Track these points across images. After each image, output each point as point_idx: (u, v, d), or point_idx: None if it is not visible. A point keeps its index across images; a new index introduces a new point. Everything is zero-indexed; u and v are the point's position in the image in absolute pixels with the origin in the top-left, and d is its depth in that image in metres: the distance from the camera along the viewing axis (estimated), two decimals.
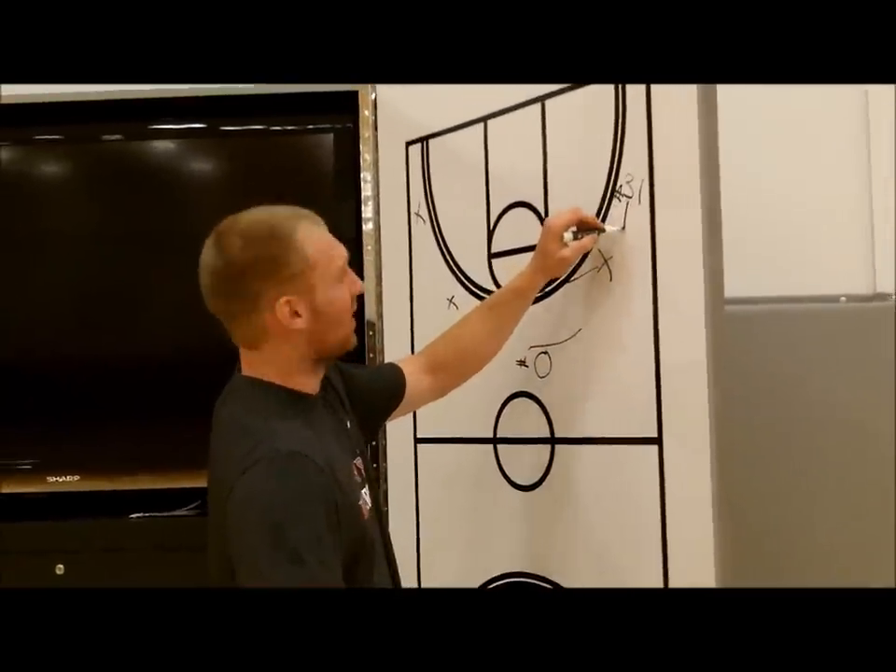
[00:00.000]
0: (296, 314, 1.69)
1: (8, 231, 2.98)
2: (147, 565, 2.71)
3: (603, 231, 2.07)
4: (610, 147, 2.10)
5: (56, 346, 2.93)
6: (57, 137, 3.00)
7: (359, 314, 2.66)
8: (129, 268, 2.93)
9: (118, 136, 2.99)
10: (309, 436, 1.66)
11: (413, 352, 2.54)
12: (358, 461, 1.85)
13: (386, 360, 2.67)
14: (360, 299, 1.85)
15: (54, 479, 2.85)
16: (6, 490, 2.88)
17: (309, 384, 1.77)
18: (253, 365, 1.76)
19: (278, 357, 1.73)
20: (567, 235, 2.05)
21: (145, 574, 2.69)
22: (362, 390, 1.98)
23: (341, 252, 1.75)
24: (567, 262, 2.09)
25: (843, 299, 2.82)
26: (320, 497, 1.58)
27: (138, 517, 2.82)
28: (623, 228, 2.06)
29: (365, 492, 1.82)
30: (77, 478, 2.84)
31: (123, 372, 2.88)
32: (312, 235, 1.71)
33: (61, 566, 2.78)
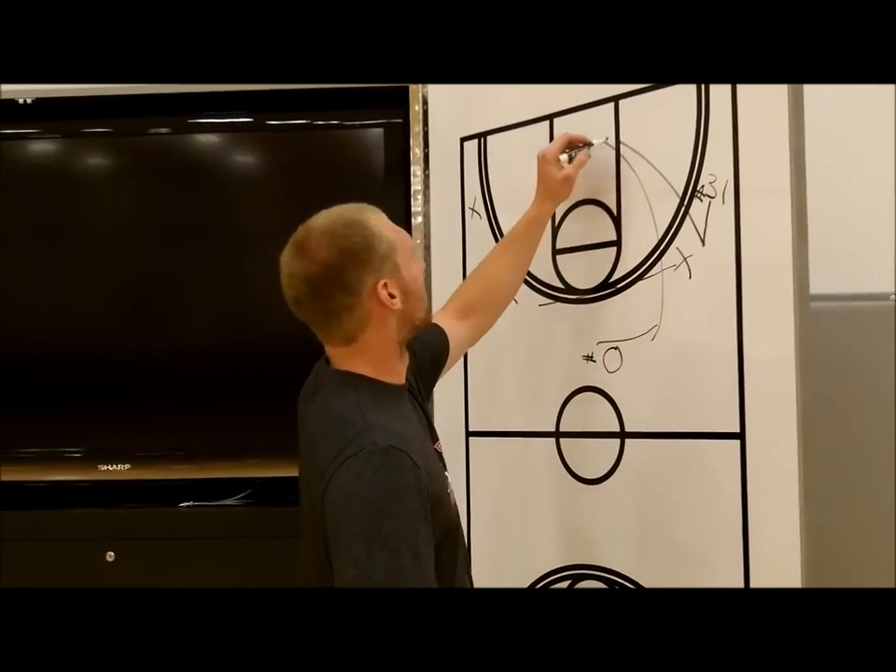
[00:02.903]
0: (391, 295, 1.75)
1: (57, 223, 2.98)
2: (197, 553, 2.72)
3: (591, 144, 2.26)
4: (692, 147, 2.13)
5: (107, 337, 2.93)
6: (104, 130, 2.98)
7: None
8: (178, 259, 2.93)
9: (166, 130, 2.98)
10: (402, 429, 1.70)
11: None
12: (438, 444, 1.92)
13: None
14: None
15: (105, 468, 2.85)
16: (56, 478, 2.87)
17: (398, 372, 1.83)
18: (345, 360, 1.80)
19: (373, 348, 1.78)
20: (563, 157, 2.23)
21: (194, 563, 2.70)
22: (419, 362, 2.01)
23: (405, 234, 1.85)
24: (570, 181, 2.23)
25: None
26: (415, 491, 1.61)
27: (188, 506, 2.82)
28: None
29: (448, 477, 1.86)
30: (127, 467, 2.84)
31: (173, 363, 2.88)
32: (382, 221, 1.78)
33: (111, 553, 2.77)
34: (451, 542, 1.77)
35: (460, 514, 1.89)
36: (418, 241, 2.75)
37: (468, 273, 2.56)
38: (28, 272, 2.99)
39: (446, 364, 2.12)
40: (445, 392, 2.62)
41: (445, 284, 2.65)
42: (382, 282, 1.73)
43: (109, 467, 2.85)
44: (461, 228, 2.63)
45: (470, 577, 1.93)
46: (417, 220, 2.76)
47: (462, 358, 2.58)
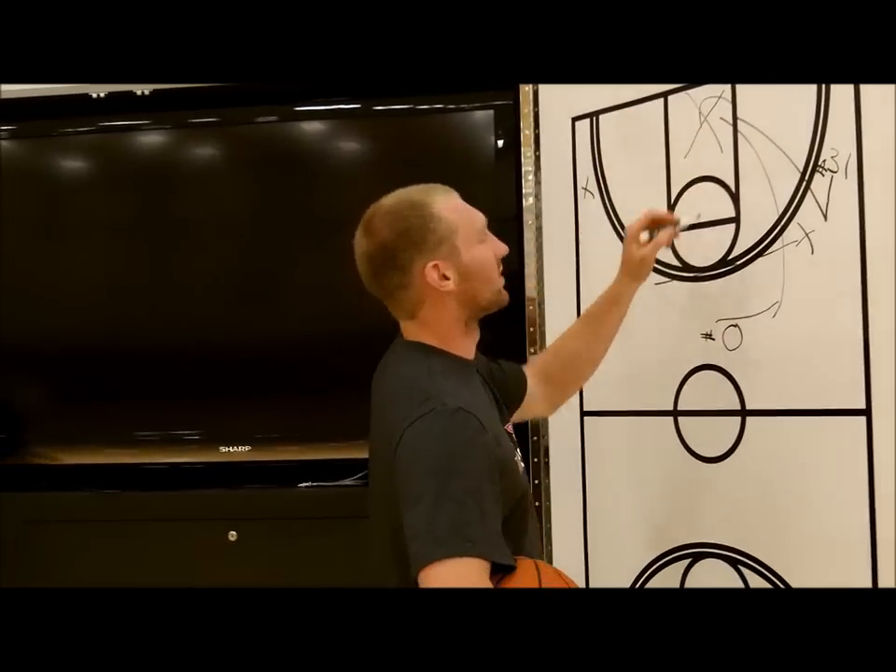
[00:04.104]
0: (444, 276, 1.80)
1: (166, 214, 3.06)
2: (316, 533, 2.77)
3: (677, 223, 2.19)
4: (812, 121, 2.11)
5: (224, 324, 3.00)
6: (211, 121, 3.04)
7: (519, 289, 2.73)
8: (290, 247, 2.99)
9: (273, 118, 3.03)
10: (469, 395, 1.76)
11: None
12: (509, 427, 1.97)
13: (548, 335, 2.70)
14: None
15: (226, 449, 2.91)
16: (177, 460, 2.94)
17: (465, 347, 1.88)
18: (413, 332, 1.87)
19: (435, 322, 1.84)
20: (644, 236, 2.16)
21: (313, 542, 2.75)
22: (494, 378, 2.04)
23: (478, 215, 1.86)
24: (647, 262, 2.18)
25: None
26: (482, 451, 1.66)
27: (307, 486, 2.87)
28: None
29: (517, 452, 1.92)
30: (247, 448, 2.91)
31: (289, 347, 2.95)
32: (448, 203, 1.82)
33: (233, 532, 2.84)
34: (520, 510, 1.80)
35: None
36: (529, 222, 2.75)
37: (579, 266, 2.60)
38: (144, 263, 3.08)
39: (514, 411, 2.11)
40: None
41: (557, 265, 2.67)
42: (432, 263, 1.79)
43: (230, 449, 2.91)
44: (573, 208, 2.63)
45: (541, 545, 1.98)
46: (528, 201, 2.76)
47: None
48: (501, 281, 1.88)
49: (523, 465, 1.91)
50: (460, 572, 1.56)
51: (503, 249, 1.89)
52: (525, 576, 1.66)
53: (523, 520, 1.81)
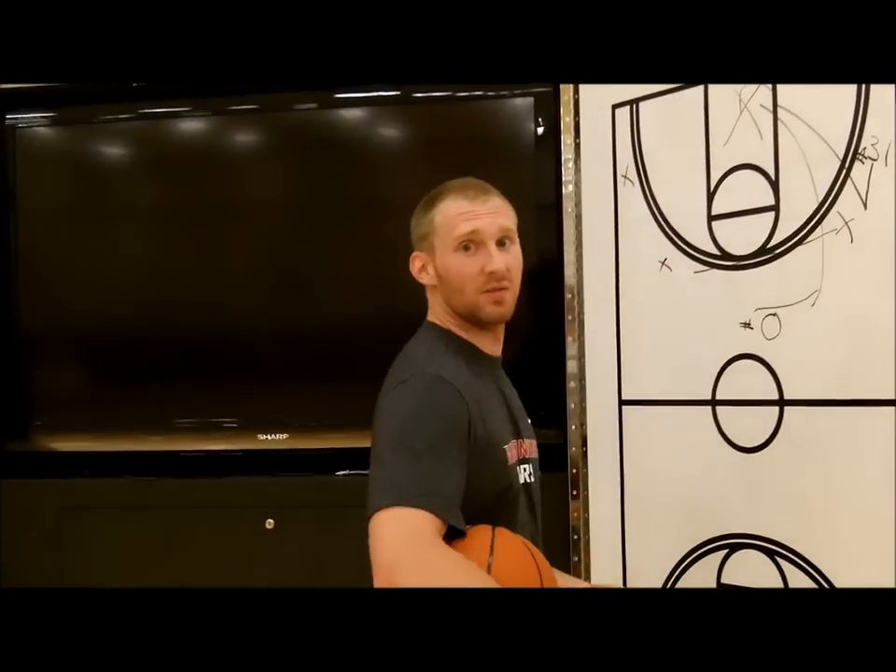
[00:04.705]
0: (424, 269, 1.82)
1: (206, 200, 3.09)
2: (354, 520, 2.75)
3: None
4: (853, 108, 2.08)
5: (260, 311, 3.02)
6: (251, 108, 3.05)
7: (559, 277, 2.72)
8: (328, 233, 2.99)
9: (312, 105, 3.04)
10: (463, 372, 1.74)
11: (618, 313, 2.57)
12: (526, 443, 1.86)
13: (587, 322, 2.68)
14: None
15: (263, 437, 2.93)
16: (214, 447, 2.97)
17: (481, 340, 1.84)
18: (432, 312, 1.86)
19: (435, 308, 1.85)
20: None
21: (351, 529, 2.74)
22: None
23: (470, 226, 1.76)
24: None
25: None
26: (452, 418, 1.65)
27: (344, 474, 2.88)
28: None
29: (525, 470, 1.83)
30: (285, 436, 2.92)
31: (326, 335, 2.95)
32: (448, 205, 1.79)
33: (270, 520, 2.86)
34: (504, 504, 1.75)
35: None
36: (569, 209, 2.74)
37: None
38: (184, 250, 3.11)
39: None
40: (598, 361, 2.64)
41: (597, 253, 2.65)
42: (415, 254, 1.84)
43: (267, 436, 2.93)
44: (613, 196, 2.62)
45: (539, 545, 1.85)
46: (568, 189, 2.75)
47: (615, 326, 2.58)
48: (480, 297, 1.76)
49: (518, 463, 1.82)
50: (407, 522, 1.54)
51: (494, 265, 1.74)
52: (476, 541, 1.63)
53: (507, 514, 1.75)
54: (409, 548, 1.54)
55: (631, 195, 2.57)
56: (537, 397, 3.10)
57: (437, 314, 1.84)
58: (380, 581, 1.53)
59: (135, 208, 3.12)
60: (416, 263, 1.84)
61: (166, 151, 3.10)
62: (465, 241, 1.76)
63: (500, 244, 1.77)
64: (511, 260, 1.78)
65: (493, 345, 1.85)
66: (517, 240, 1.82)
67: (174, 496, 2.98)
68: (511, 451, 1.79)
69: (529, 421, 1.93)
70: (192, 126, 3.12)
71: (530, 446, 1.88)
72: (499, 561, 1.62)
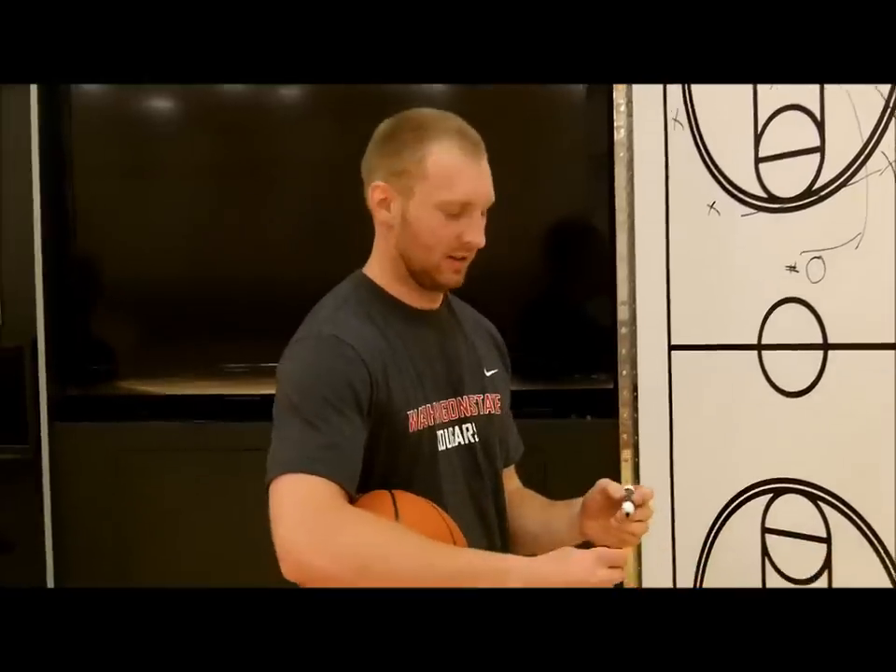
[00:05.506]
0: (385, 203, 1.67)
1: (254, 156, 3.18)
2: None
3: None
4: None
5: (311, 261, 3.06)
6: None
7: (610, 224, 2.72)
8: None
9: None
10: (370, 333, 1.64)
11: (667, 258, 2.56)
12: (470, 399, 1.76)
13: (639, 263, 2.66)
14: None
15: None
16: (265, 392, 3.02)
17: (413, 296, 1.73)
18: (370, 260, 1.76)
19: (381, 256, 1.73)
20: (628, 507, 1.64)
21: None
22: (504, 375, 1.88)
23: (465, 192, 1.64)
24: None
25: None
26: (346, 380, 1.56)
27: None
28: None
29: (455, 432, 1.73)
30: None
31: None
32: (443, 153, 1.64)
33: None
34: (416, 476, 1.65)
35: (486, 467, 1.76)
36: (620, 154, 2.72)
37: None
38: (231, 204, 3.23)
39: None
40: (647, 306, 2.63)
41: (648, 198, 2.64)
42: (376, 182, 1.67)
43: None
44: (663, 140, 2.60)
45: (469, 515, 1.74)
46: (620, 134, 2.73)
47: (665, 271, 2.57)
48: (446, 263, 1.67)
49: (472, 430, 1.74)
50: (301, 489, 1.49)
51: (475, 240, 1.65)
52: (376, 505, 1.57)
53: (420, 483, 1.64)
54: (305, 516, 1.47)
55: (681, 139, 2.55)
56: (588, 343, 3.13)
57: (375, 259, 1.73)
58: (285, 565, 1.47)
59: (187, 165, 3.22)
60: (377, 194, 1.67)
61: (215, 110, 3.16)
62: (456, 206, 1.63)
63: (482, 213, 1.68)
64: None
65: (428, 300, 1.74)
66: None
67: (225, 438, 3.05)
68: (413, 416, 1.65)
69: (490, 373, 1.81)
70: (240, 85, 3.16)
71: (479, 403, 1.76)
72: (406, 521, 1.55)
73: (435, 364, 1.72)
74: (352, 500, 1.54)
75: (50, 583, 3.23)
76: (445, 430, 1.70)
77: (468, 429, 1.74)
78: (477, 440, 1.75)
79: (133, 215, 3.24)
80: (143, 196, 3.23)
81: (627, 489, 1.63)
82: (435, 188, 1.63)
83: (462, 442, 1.73)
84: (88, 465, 3.24)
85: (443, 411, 1.70)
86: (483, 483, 1.76)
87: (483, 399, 1.78)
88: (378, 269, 1.74)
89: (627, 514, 1.62)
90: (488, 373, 1.81)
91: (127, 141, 3.27)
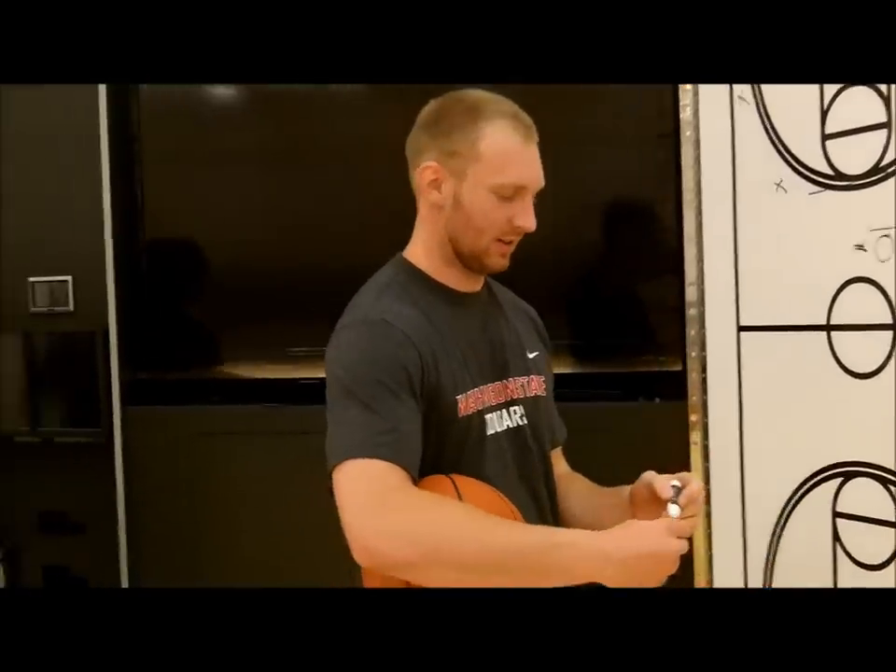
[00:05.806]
0: (437, 184, 1.65)
1: (317, 142, 3.18)
2: None
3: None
4: None
5: (370, 247, 3.05)
6: None
7: (677, 201, 2.68)
8: None
9: None
10: (416, 316, 1.62)
11: (735, 238, 2.52)
12: (517, 382, 1.74)
13: (706, 243, 2.62)
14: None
15: None
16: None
17: (457, 280, 1.71)
18: (412, 244, 1.74)
19: (426, 238, 1.70)
20: (673, 510, 1.54)
21: None
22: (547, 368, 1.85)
23: (520, 176, 1.62)
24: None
25: None
26: (394, 361, 1.55)
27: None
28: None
29: (504, 418, 1.70)
30: None
31: None
32: (498, 135, 1.61)
33: None
34: (465, 460, 1.63)
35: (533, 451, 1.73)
36: (687, 133, 2.68)
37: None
38: (295, 190, 3.24)
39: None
40: (716, 287, 2.60)
41: (714, 177, 2.60)
42: (428, 163, 1.64)
43: None
44: (729, 118, 2.55)
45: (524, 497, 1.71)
46: (686, 113, 2.69)
47: (733, 252, 2.53)
48: (496, 246, 1.65)
49: (520, 413, 1.72)
50: (366, 473, 1.48)
51: (528, 223, 1.64)
52: (438, 490, 1.54)
53: (470, 466, 1.63)
54: (372, 501, 1.47)
55: (747, 116, 2.50)
56: (656, 325, 3.10)
57: (419, 242, 1.71)
58: (355, 551, 1.46)
59: (254, 151, 3.24)
60: (427, 175, 1.64)
61: (280, 97, 3.19)
62: (509, 189, 1.62)
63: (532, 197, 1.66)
64: None
65: (471, 283, 1.73)
66: None
67: (294, 421, 3.08)
68: (481, 397, 1.65)
69: (532, 355, 1.79)
70: None
71: (525, 385, 1.75)
72: (471, 504, 1.52)
73: (480, 347, 1.70)
74: (415, 484, 1.53)
75: (123, 565, 3.30)
76: (493, 414, 1.68)
77: (515, 412, 1.72)
78: (526, 422, 1.73)
79: (201, 201, 3.28)
80: (210, 183, 3.27)
81: (674, 485, 1.58)
82: (488, 170, 1.61)
83: (510, 425, 1.71)
84: (159, 448, 3.30)
85: (491, 394, 1.68)
86: (534, 465, 1.74)
87: (528, 382, 1.76)
88: (422, 252, 1.71)
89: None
90: (530, 355, 1.79)
91: (194, 128, 3.31)
